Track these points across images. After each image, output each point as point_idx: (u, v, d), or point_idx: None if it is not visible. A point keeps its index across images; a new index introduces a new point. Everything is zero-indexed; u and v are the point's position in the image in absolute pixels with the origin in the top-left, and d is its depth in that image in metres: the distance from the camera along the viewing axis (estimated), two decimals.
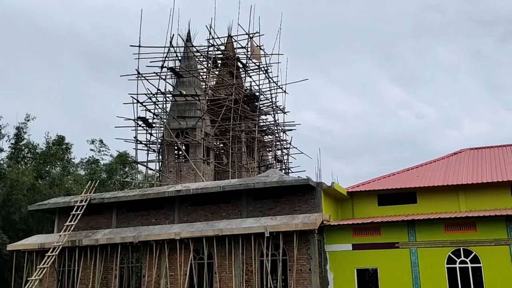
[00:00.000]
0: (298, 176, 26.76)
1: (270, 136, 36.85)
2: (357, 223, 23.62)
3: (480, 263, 21.34)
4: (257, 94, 35.49)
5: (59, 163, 43.87)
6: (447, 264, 21.85)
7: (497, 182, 24.19)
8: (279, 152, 36.74)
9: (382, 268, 22.67)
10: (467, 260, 21.59)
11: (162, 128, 33.07)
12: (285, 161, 36.53)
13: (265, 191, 24.75)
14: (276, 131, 35.90)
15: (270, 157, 37.30)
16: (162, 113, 33.40)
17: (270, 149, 37.06)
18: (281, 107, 36.02)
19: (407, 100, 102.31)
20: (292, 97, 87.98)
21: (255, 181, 25.20)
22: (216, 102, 34.02)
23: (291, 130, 37.07)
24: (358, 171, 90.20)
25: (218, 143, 34.83)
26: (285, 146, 36.57)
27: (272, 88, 35.57)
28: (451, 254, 21.88)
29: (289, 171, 36.09)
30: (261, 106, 35.69)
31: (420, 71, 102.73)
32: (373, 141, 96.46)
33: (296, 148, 37.03)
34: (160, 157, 32.97)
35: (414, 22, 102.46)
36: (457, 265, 21.71)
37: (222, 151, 34.75)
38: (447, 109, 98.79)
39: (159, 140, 33.00)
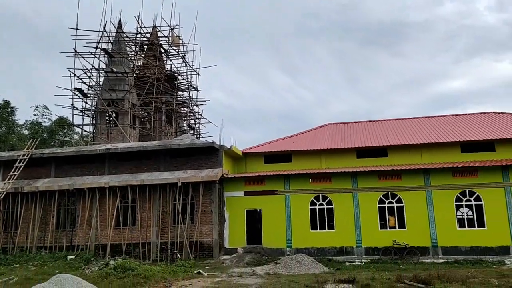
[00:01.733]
0: (206, 140, 27.27)
1: (185, 108, 36.73)
2: (248, 176, 24.69)
3: (332, 205, 23.43)
4: (176, 74, 35.00)
5: (4, 123, 40.33)
6: (310, 206, 23.71)
7: (347, 148, 26.35)
8: (192, 121, 36.90)
9: (265, 209, 24.03)
10: (324, 203, 23.58)
11: (96, 98, 31.73)
12: (197, 128, 36.80)
13: (179, 151, 24.94)
14: (190, 104, 35.87)
15: (185, 125, 37.21)
16: (96, 86, 31.92)
17: (185, 118, 37.02)
18: (195, 86, 35.88)
19: (290, 85, 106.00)
20: (205, 78, 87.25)
21: (172, 143, 25.28)
22: (142, 79, 33.16)
23: (202, 104, 37.42)
24: (253, 137, 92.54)
25: (142, 112, 34.03)
26: (197, 117, 36.76)
27: (188, 70, 35.27)
28: (313, 199, 23.69)
29: (200, 136, 36.39)
30: (178, 84, 35.31)
31: (301, 64, 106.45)
32: (265, 115, 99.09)
33: (206, 118, 38.20)
34: (94, 121, 31.72)
35: (298, 25, 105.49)
36: (317, 207, 23.64)
37: (146, 118, 34.03)
38: (319, 93, 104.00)
39: (93, 108, 31.67)
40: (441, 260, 21.02)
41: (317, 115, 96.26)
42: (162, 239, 23.47)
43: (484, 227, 21.53)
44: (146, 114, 34.15)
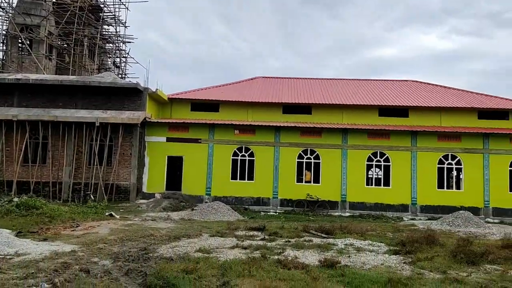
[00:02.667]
0: (130, 81, 25.83)
1: (111, 45, 34.15)
2: (172, 122, 24.07)
3: (254, 157, 23.86)
4: (102, 6, 32.11)
5: None
6: (232, 156, 23.93)
7: (274, 103, 26.56)
8: (117, 60, 34.49)
9: (187, 156, 23.81)
10: (246, 155, 23.93)
11: (7, 21, 28.26)
12: (123, 67, 34.51)
13: (100, 89, 23.39)
14: (116, 41, 33.35)
15: (109, 62, 34.78)
16: (8, 7, 28.34)
17: (110, 56, 34.53)
18: (123, 21, 33.31)
19: (228, 35, 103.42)
20: (136, 15, 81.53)
21: (92, 80, 23.60)
22: (62, 6, 29.97)
23: (130, 42, 34.96)
24: (185, 84, 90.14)
25: (62, 43, 31.15)
26: (124, 55, 34.43)
27: (116, 3, 32.49)
28: (236, 150, 23.91)
29: (125, 76, 34.27)
30: (104, 17, 32.51)
31: (241, 14, 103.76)
32: (199, 62, 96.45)
33: (133, 58, 35.98)
34: (4, 47, 28.40)
35: None
36: (239, 158, 23.94)
37: (65, 51, 31.22)
38: (257, 47, 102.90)
39: (3, 32, 28.26)
40: (348, 214, 22.62)
41: (252, 68, 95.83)
42: (75, 180, 22.44)
43: (389, 186, 23.36)
44: (65, 46, 31.32)
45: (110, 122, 22.28)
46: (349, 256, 10.03)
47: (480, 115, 25.34)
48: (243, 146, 23.87)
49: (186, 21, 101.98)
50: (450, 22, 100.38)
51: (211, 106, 27.08)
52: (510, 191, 22.64)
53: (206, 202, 22.25)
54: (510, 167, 22.73)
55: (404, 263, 9.41)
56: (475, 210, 22.30)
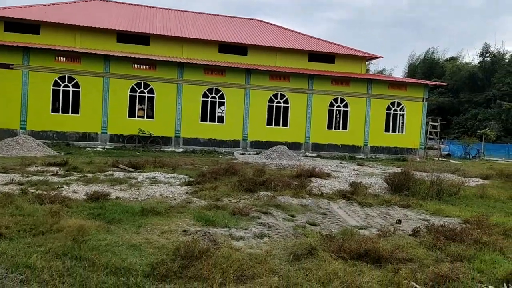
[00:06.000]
0: None
1: None
2: None
3: (79, 88, 21.70)
4: None
5: None
6: (54, 86, 21.40)
7: (106, 29, 24.12)
8: None
9: None
10: (70, 85, 21.59)
11: None
12: None
13: None
14: None
15: None
16: None
17: None
18: None
19: None
20: None
21: None
22: None
23: None
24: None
25: None
26: None
27: None
28: (58, 79, 21.39)
29: None
30: None
31: None
32: None
33: None
34: None
35: None
36: (61, 88, 21.51)
37: None
38: None
39: None
40: (181, 150, 22.61)
41: None
42: None
43: (222, 122, 23.84)
44: None
45: None
46: (137, 189, 9.71)
47: (310, 58, 27.06)
48: (67, 75, 21.44)
49: None
50: None
51: (31, 27, 23.40)
52: (328, 128, 25.21)
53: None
54: (329, 106, 25.13)
55: (187, 193, 9.50)
56: (297, 145, 24.42)
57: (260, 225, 6.95)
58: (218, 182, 10.91)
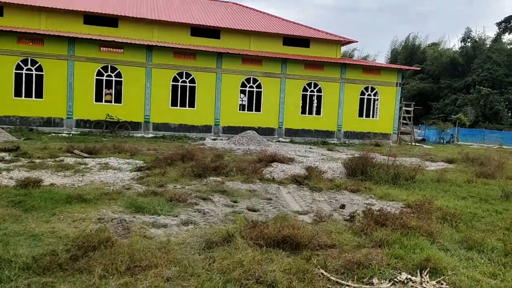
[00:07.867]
0: None
1: None
2: None
3: (43, 72, 20.99)
4: None
5: None
6: (16, 70, 20.65)
7: (72, 10, 23.21)
8: None
9: None
10: (33, 68, 20.85)
11: None
12: None
13: None
14: None
15: None
16: None
17: None
18: None
19: None
20: None
21: None
22: None
23: None
24: None
25: None
26: None
27: None
28: (20, 63, 20.65)
29: None
30: None
31: None
32: None
33: None
34: None
35: None
36: (24, 72, 20.77)
37: None
38: None
39: None
40: (151, 135, 22.14)
41: None
42: None
43: (193, 107, 23.38)
44: None
45: None
46: (82, 175, 9.34)
47: (284, 42, 26.60)
48: (29, 58, 20.70)
49: None
50: None
51: None
52: (301, 113, 24.96)
53: None
54: (303, 91, 24.83)
55: (132, 178, 9.17)
56: (271, 131, 24.14)
57: (195, 212, 6.67)
58: (171, 167, 10.59)
